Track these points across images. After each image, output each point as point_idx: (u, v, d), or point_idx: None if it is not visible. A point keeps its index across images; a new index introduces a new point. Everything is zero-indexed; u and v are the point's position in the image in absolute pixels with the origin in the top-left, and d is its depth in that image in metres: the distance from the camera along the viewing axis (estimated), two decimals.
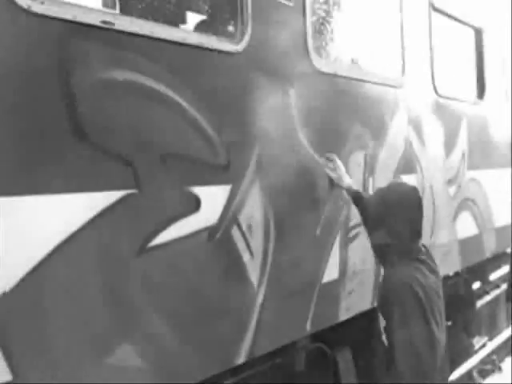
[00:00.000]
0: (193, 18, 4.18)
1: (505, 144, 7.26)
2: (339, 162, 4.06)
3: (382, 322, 3.15)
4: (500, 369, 7.64)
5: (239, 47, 3.41)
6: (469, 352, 7.10)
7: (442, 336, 3.13)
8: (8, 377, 2.31)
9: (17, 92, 2.39)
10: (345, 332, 4.53)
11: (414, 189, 3.38)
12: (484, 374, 7.44)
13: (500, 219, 7.01)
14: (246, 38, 3.45)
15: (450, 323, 6.53)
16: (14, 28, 2.38)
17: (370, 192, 4.44)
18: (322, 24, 4.99)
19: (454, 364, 6.76)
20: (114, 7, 3.94)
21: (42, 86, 2.47)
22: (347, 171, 4.16)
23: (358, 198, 3.97)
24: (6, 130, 2.34)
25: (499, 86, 7.14)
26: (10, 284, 2.30)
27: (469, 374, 7.09)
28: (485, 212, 6.62)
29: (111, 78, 2.73)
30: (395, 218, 3.19)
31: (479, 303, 7.25)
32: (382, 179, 4.64)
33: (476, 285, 7.32)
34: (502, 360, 7.84)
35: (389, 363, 3.10)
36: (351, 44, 5.15)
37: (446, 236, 5.76)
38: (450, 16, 6.11)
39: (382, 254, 3.33)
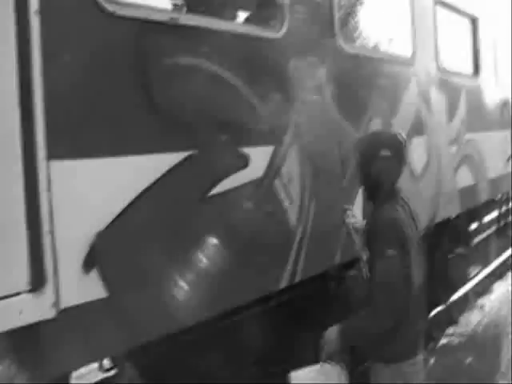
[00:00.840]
0: (242, 15, 4.09)
1: (495, 111, 7.02)
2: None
3: (365, 255, 2.70)
4: (491, 291, 7.46)
5: (279, 35, 3.28)
6: (467, 278, 7.07)
7: (416, 279, 2.64)
8: (104, 294, 2.31)
9: (107, 77, 2.37)
10: None
11: (398, 134, 2.85)
12: (478, 295, 7.28)
13: (491, 172, 6.75)
14: (284, 27, 3.30)
15: (452, 256, 6.41)
16: (102, 28, 2.34)
17: None
18: (348, 14, 4.76)
19: (455, 287, 6.70)
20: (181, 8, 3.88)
21: (125, 71, 2.44)
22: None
23: None
24: (101, 104, 2.33)
25: (491, 64, 6.85)
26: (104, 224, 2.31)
27: (466, 295, 6.99)
28: (480, 166, 6.39)
29: (178, 63, 2.67)
30: (382, 160, 2.69)
31: (475, 240, 7.27)
32: None
33: (473, 225, 7.26)
34: (493, 283, 7.68)
35: (367, 295, 2.62)
36: (372, 29, 4.93)
37: (449, 185, 5.56)
38: (450, 7, 5.78)
39: (371, 194, 2.82)
